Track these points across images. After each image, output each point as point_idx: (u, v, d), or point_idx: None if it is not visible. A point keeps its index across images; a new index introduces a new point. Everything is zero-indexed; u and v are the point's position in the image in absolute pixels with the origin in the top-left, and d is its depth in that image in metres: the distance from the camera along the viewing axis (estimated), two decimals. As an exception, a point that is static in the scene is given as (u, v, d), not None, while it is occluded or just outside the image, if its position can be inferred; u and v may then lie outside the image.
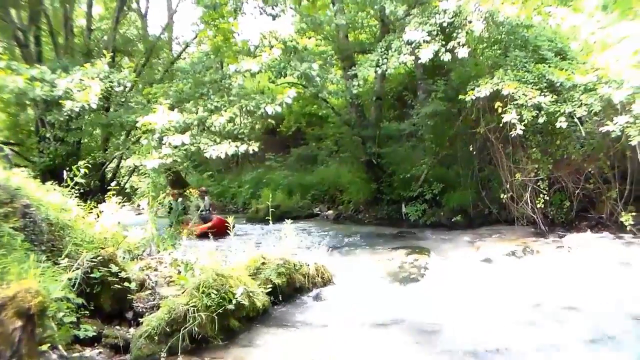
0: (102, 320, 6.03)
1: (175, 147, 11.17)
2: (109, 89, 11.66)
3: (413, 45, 11.91)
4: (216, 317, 5.97)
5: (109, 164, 19.65)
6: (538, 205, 13.52)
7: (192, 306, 5.90)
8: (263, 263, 7.89)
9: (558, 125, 11.50)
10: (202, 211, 16.17)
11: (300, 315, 7.30)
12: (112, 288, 6.16)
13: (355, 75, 13.64)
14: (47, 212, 6.63)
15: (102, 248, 6.70)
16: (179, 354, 5.58)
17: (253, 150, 11.75)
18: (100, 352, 5.49)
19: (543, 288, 8.24)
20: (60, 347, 5.00)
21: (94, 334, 5.58)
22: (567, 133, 12.75)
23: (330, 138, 25.81)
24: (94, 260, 6.11)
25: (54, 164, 15.79)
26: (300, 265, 8.39)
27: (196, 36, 20.47)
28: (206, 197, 17.25)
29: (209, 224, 15.01)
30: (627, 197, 12.75)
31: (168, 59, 21.37)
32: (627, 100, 10.96)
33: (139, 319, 6.08)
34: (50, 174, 12.73)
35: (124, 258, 7.52)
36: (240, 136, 12.72)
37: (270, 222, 9.80)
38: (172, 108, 11.78)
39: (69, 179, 8.08)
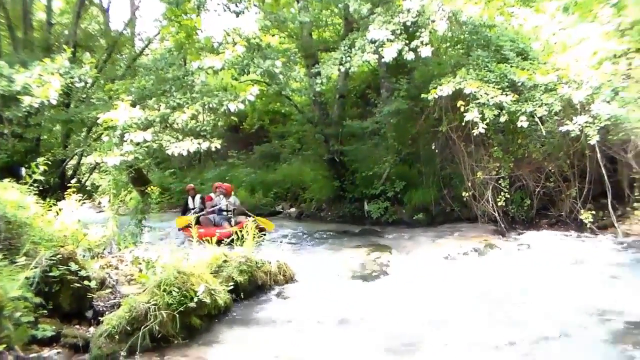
0: (61, 319, 5.94)
1: (137, 144, 11.05)
2: (70, 84, 11.49)
3: (377, 43, 11.95)
4: (177, 315, 5.93)
5: (69, 161, 19.39)
6: (499, 203, 13.68)
7: (153, 304, 5.86)
8: (225, 261, 7.88)
9: (519, 124, 11.65)
10: (222, 211, 14.08)
11: (262, 313, 7.29)
12: (72, 287, 6.06)
13: (319, 73, 13.64)
14: (5, 209, 6.52)
15: (62, 246, 6.60)
16: (137, 352, 5.53)
17: (215, 147, 11.68)
18: (58, 352, 5.41)
19: (503, 285, 8.35)
20: (17, 347, 4.93)
21: (53, 333, 5.50)
22: (528, 132, 12.91)
23: (293, 136, 25.82)
24: (52, 258, 6.01)
25: (12, 160, 15.45)
26: (262, 263, 8.39)
27: (159, 32, 20.34)
28: (232, 196, 14.61)
29: (230, 229, 12.09)
30: (586, 196, 12.96)
31: (130, 55, 21.16)
32: (586, 100, 11.19)
33: (99, 318, 6.01)
34: (8, 171, 12.44)
35: (84, 256, 7.44)
36: (202, 133, 12.62)
37: (233, 219, 9.77)
38: (134, 105, 11.65)
39: (27, 176, 7.94)
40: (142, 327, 5.66)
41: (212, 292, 6.70)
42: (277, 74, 13.71)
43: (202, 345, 5.96)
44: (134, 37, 23.46)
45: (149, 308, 5.81)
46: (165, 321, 5.82)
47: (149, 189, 11.56)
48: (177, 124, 12.07)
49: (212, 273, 7.41)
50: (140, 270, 7.42)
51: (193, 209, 15.24)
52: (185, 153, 11.59)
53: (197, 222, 13.28)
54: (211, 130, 13.35)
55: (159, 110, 12.18)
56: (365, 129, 19.22)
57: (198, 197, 15.54)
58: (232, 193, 15.01)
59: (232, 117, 18.08)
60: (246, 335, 6.34)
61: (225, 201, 14.24)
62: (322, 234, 15.00)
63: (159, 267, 6.99)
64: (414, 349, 5.75)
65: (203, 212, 14.55)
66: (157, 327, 5.72)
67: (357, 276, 9.40)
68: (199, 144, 11.55)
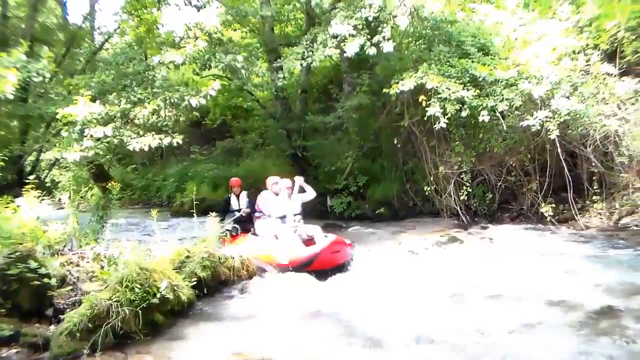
0: (20, 318, 5.85)
1: (98, 139, 10.93)
2: (27, 79, 11.28)
3: (339, 38, 11.95)
4: (140, 312, 5.87)
5: (27, 157, 19.06)
6: (461, 198, 13.83)
7: (115, 301, 5.79)
8: (187, 256, 7.81)
9: (480, 119, 11.75)
10: (284, 218, 10.37)
11: (225, 308, 7.26)
12: (31, 285, 5.96)
13: (281, 68, 13.64)
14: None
15: (20, 244, 6.50)
16: (98, 350, 5.46)
17: (177, 143, 11.60)
18: (17, 352, 5.33)
19: (466, 278, 8.42)
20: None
21: (11, 333, 5.42)
22: (490, 127, 13.01)
23: (255, 131, 25.78)
24: (11, 256, 5.92)
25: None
26: (225, 258, 8.33)
27: (119, 27, 20.10)
28: (291, 192, 10.55)
29: (312, 252, 8.97)
30: (547, 189, 13.16)
31: (90, 50, 20.85)
32: (546, 95, 11.38)
33: (60, 316, 5.92)
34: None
35: (43, 254, 7.30)
36: (164, 128, 12.54)
37: (195, 215, 9.69)
38: (94, 100, 11.51)
39: (-17, 173, 7.81)
40: (104, 325, 5.59)
41: (175, 288, 6.65)
42: (239, 69, 13.64)
43: (165, 342, 5.91)
44: (93, 31, 23.11)
45: (111, 305, 5.74)
46: (127, 318, 5.76)
47: (110, 185, 11.40)
48: (139, 119, 11.97)
49: (174, 269, 7.34)
50: (102, 267, 7.34)
51: (238, 210, 12.00)
52: (146, 148, 11.49)
53: (245, 229, 11.26)
54: (173, 126, 13.30)
55: (119, 105, 12.05)
56: (327, 124, 19.22)
57: (244, 194, 12.40)
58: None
59: (194, 113, 18.10)
60: (210, 331, 6.30)
61: (286, 202, 10.41)
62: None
63: (121, 264, 6.91)
64: (375, 343, 5.77)
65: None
66: (119, 324, 5.65)
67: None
68: (160, 139, 11.45)
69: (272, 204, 10.42)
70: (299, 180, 10.55)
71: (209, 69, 14.49)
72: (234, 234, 11.07)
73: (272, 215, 10.29)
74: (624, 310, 6.42)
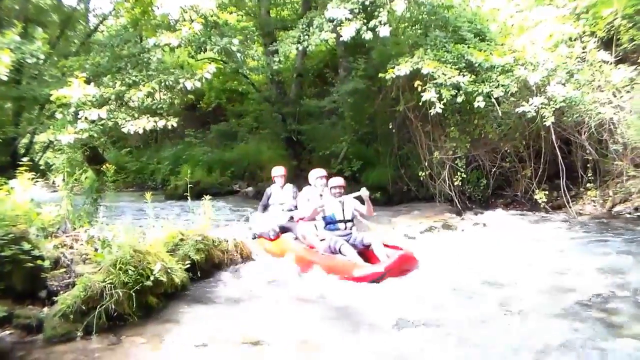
0: (13, 300, 5.84)
1: (92, 121, 10.87)
2: (21, 60, 11.21)
3: (335, 22, 11.90)
4: (134, 294, 5.87)
5: (21, 139, 19.01)
6: (456, 183, 13.85)
7: (109, 283, 5.79)
8: (181, 239, 7.81)
9: (476, 104, 11.74)
10: (333, 223, 8.67)
11: (218, 291, 7.27)
12: (24, 267, 5.94)
13: (277, 52, 13.57)
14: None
15: (14, 225, 6.48)
16: (94, 332, 5.47)
17: (172, 125, 11.55)
18: (11, 333, 5.33)
19: (459, 263, 8.43)
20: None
21: (4, 314, 5.41)
22: (485, 113, 13.04)
23: (250, 114, 25.73)
24: (4, 238, 5.89)
25: (-39, 139, 15.13)
26: (219, 242, 8.33)
27: (114, 9, 19.99)
28: (342, 191, 8.95)
29: (375, 271, 7.45)
30: (541, 176, 13.20)
31: (84, 31, 20.76)
32: (541, 82, 11.37)
33: (53, 298, 5.92)
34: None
35: (37, 236, 7.28)
36: (159, 111, 12.47)
37: (189, 198, 9.68)
38: (88, 82, 11.44)
39: (-24, 155, 7.77)
40: (98, 307, 5.60)
41: (169, 270, 6.65)
42: (235, 52, 13.59)
43: (158, 324, 5.92)
44: (87, 13, 23.00)
45: (105, 287, 5.74)
46: (121, 300, 5.76)
47: (104, 167, 11.36)
48: (133, 101, 11.89)
49: (168, 252, 7.34)
50: (96, 250, 7.33)
51: (280, 204, 10.54)
52: (141, 131, 11.43)
53: (283, 228, 9.84)
54: (168, 109, 13.19)
55: (114, 87, 11.99)
56: (322, 108, 19.24)
57: (290, 187, 10.77)
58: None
59: (189, 96, 17.97)
60: (203, 314, 6.31)
61: (335, 201, 8.82)
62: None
63: (115, 246, 6.90)
64: (367, 326, 5.79)
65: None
66: (113, 306, 5.66)
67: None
68: (155, 122, 11.40)
69: (315, 203, 8.95)
70: (364, 193, 8.71)
71: (204, 52, 14.43)
72: (272, 236, 9.78)
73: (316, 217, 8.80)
74: (615, 297, 6.46)
